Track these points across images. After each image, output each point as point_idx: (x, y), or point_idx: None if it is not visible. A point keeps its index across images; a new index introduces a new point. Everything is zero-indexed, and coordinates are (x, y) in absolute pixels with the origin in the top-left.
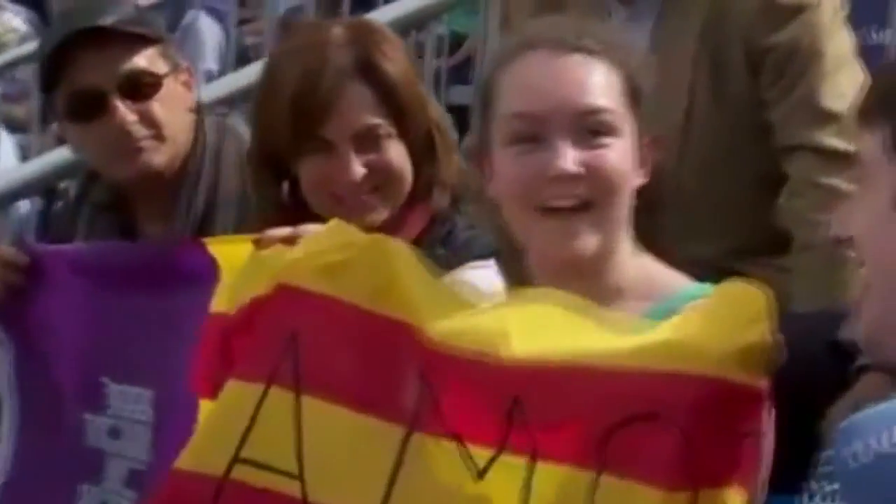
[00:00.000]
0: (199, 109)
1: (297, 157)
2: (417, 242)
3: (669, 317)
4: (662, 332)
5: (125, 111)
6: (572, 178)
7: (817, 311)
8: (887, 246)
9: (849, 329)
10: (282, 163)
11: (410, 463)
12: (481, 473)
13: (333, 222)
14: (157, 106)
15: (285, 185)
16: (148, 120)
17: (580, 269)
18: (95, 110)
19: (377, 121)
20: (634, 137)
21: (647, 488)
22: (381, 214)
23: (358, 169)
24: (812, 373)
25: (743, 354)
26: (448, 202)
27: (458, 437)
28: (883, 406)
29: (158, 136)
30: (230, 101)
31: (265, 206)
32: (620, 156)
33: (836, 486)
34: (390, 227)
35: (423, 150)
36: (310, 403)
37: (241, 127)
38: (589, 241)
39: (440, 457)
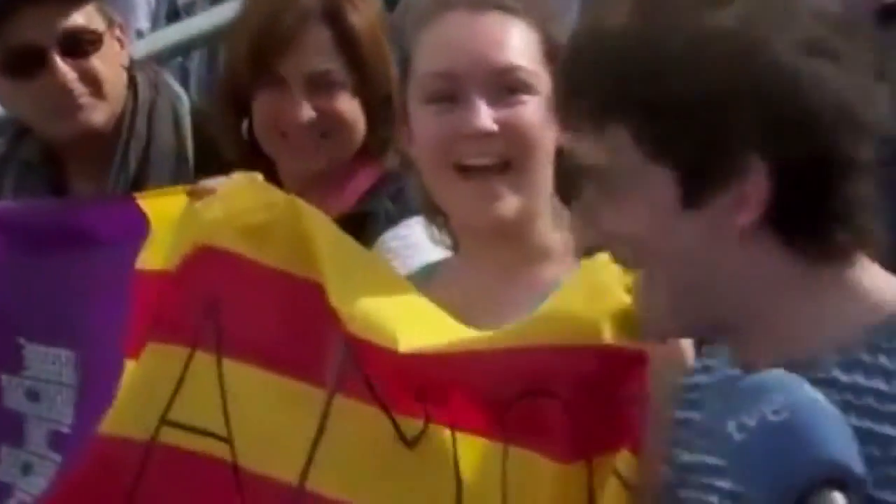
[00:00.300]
0: (133, 66)
1: (253, 92)
2: (365, 195)
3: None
4: (543, 308)
5: (66, 68)
6: (489, 135)
7: None
8: (677, 243)
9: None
10: (241, 100)
11: (334, 425)
12: (408, 440)
13: (252, 178)
14: (97, 63)
15: (245, 126)
16: (88, 77)
17: (503, 232)
18: (34, 67)
19: (333, 66)
20: None
21: (546, 460)
22: (324, 161)
23: (306, 109)
24: None
25: (616, 319)
26: (402, 164)
27: (383, 405)
28: (760, 377)
29: (98, 94)
30: (160, 58)
31: (230, 149)
32: (537, 113)
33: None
34: (338, 177)
35: (381, 109)
36: (232, 367)
37: (174, 83)
38: (509, 203)
39: (364, 420)
